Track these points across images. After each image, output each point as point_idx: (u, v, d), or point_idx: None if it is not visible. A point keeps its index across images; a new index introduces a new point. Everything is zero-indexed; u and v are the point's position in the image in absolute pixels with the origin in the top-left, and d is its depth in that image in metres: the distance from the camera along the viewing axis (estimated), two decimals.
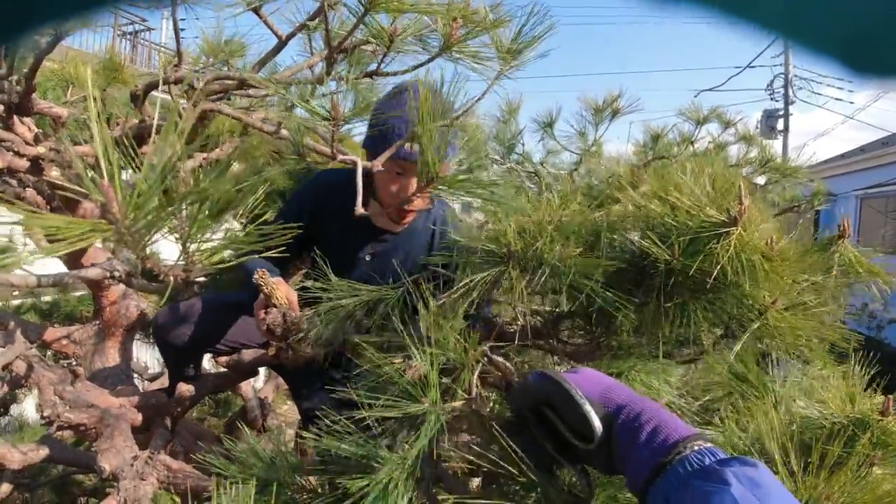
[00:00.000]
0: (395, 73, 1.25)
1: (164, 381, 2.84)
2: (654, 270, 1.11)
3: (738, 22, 0.24)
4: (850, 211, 13.81)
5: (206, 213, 0.53)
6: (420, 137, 0.88)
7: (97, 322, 2.69)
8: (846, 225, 1.42)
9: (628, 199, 1.20)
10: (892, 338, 10.24)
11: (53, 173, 1.90)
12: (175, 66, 1.32)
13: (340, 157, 1.06)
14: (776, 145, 16.32)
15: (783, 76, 16.69)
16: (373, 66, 1.24)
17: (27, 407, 5.24)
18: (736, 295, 1.11)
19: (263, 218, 0.60)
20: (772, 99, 17.26)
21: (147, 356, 5.59)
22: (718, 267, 1.02)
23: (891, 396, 1.09)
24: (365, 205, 1.11)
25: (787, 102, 16.67)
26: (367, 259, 1.96)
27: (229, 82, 1.30)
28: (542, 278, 1.02)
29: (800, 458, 0.98)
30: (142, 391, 2.27)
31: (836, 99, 17.98)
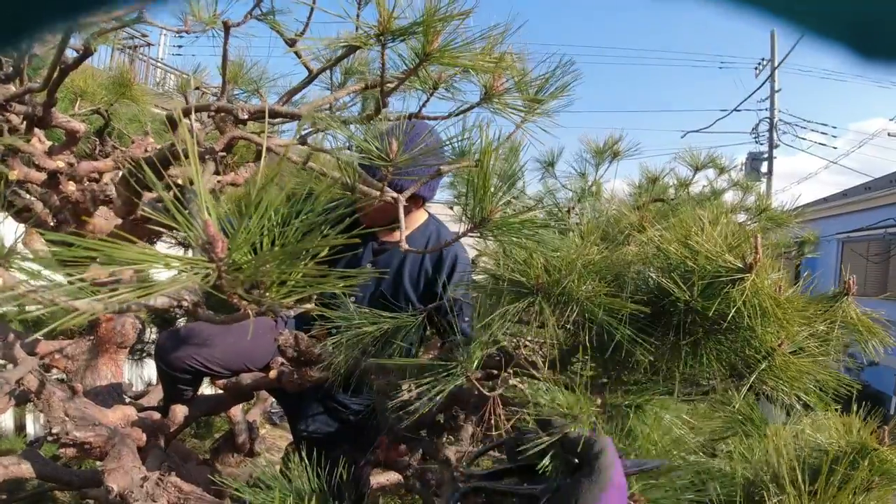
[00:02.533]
0: (435, 118, 1.31)
1: (149, 400, 2.83)
2: (673, 309, 1.16)
3: (744, 9, 0.24)
4: (832, 254, 14.09)
5: (286, 262, 0.57)
6: (474, 182, 0.93)
7: (90, 338, 2.67)
8: (851, 283, 1.48)
9: (645, 241, 1.26)
10: (871, 379, 10.42)
11: (70, 187, 1.92)
12: (218, 96, 1.36)
13: (388, 193, 1.11)
14: (761, 188, 16.63)
15: (768, 120, 17.09)
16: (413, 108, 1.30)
17: (4, 419, 5.13)
18: (746, 336, 1.17)
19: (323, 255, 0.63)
20: (756, 142, 17.67)
21: (131, 374, 5.52)
22: (735, 309, 1.08)
23: (886, 427, 1.20)
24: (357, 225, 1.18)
25: (772, 146, 17.04)
26: (369, 266, 2.06)
27: (278, 113, 1.35)
28: (573, 314, 1.07)
29: (807, 477, 1.06)
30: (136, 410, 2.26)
31: (820, 143, 18.42)
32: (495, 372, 1.33)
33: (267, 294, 0.61)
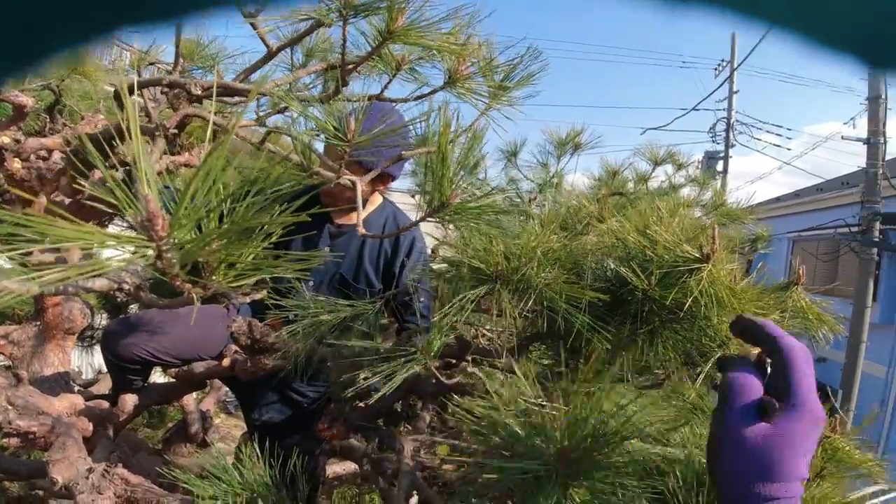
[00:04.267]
0: (396, 100, 1.28)
1: (98, 388, 2.74)
2: (631, 298, 1.17)
3: (748, 19, 0.24)
4: (783, 252, 14.53)
5: (234, 241, 0.54)
6: (433, 165, 0.92)
7: (37, 323, 2.58)
8: (801, 273, 1.51)
9: (605, 231, 1.27)
10: (819, 374, 10.79)
11: (15, 165, 1.84)
12: (169, 71, 1.31)
13: (345, 175, 1.08)
14: (716, 185, 17.04)
15: (726, 120, 17.48)
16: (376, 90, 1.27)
17: None
18: (702, 325, 1.19)
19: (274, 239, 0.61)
20: (713, 141, 18.08)
21: (81, 361, 5.36)
22: (691, 298, 1.09)
23: (837, 416, 1.23)
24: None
25: (728, 145, 17.45)
26: (328, 249, 2.04)
27: (230, 90, 1.30)
28: (530, 300, 1.07)
29: None
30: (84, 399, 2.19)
31: (774, 145, 18.94)
32: (453, 361, 1.32)
33: (214, 277, 0.58)
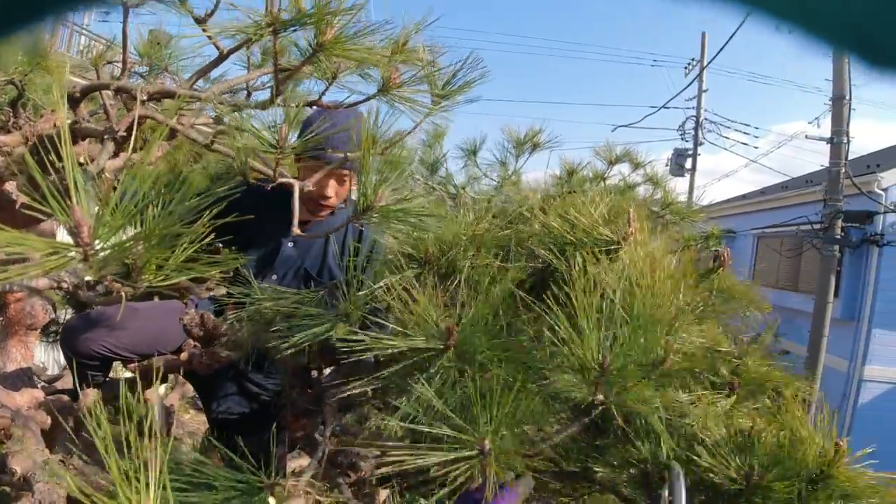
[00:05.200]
0: (337, 107, 1.33)
1: (63, 384, 2.75)
2: (552, 280, 1.24)
3: (751, 13, 0.24)
4: (748, 248, 14.85)
5: (156, 245, 0.59)
6: (359, 169, 0.97)
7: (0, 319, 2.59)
8: (725, 255, 1.60)
9: (536, 219, 1.35)
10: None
11: None
12: (118, 77, 1.34)
13: (281, 179, 1.13)
14: (684, 183, 17.38)
15: (694, 118, 17.77)
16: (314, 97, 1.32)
17: None
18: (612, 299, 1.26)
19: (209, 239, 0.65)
20: (682, 139, 18.36)
21: (46, 357, 5.31)
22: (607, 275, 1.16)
23: (742, 336, 1.39)
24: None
25: (697, 143, 17.74)
26: (290, 245, 2.07)
27: (174, 93, 1.34)
28: (455, 283, 1.14)
29: None
30: (45, 394, 2.21)
31: (742, 143, 19.30)
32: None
33: (143, 277, 0.64)
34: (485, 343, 1.06)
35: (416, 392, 1.00)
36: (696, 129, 17.75)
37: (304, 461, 3.12)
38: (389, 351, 1.07)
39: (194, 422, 5.86)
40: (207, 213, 0.69)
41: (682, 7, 0.26)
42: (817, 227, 9.80)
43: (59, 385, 2.83)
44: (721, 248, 1.61)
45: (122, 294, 0.65)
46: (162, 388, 3.95)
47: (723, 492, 1.21)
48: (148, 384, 2.49)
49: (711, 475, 1.22)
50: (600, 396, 0.98)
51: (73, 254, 0.55)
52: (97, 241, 0.55)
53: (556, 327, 1.05)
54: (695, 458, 1.23)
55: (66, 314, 3.72)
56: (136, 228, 0.63)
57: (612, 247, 1.21)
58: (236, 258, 0.70)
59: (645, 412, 1.10)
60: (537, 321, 1.22)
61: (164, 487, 1.00)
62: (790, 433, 1.26)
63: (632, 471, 1.32)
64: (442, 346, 1.04)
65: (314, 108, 1.72)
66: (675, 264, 1.41)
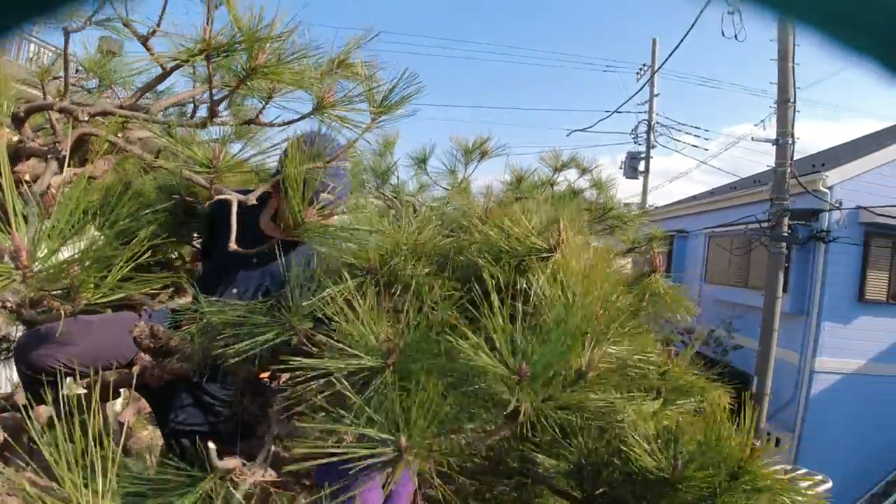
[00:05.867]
0: (271, 125, 1.38)
1: (17, 401, 2.71)
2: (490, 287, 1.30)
3: (773, 15, 0.24)
4: (700, 247, 15.23)
5: (96, 266, 0.64)
6: (287, 186, 1.02)
7: None
8: (658, 261, 1.69)
9: (475, 229, 1.41)
10: (736, 361, 11.46)
11: None
12: (61, 97, 1.36)
13: (217, 195, 1.17)
14: (637, 184, 17.78)
15: (647, 122, 18.19)
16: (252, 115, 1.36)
17: None
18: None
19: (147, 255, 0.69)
20: (635, 142, 18.79)
21: None
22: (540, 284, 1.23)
23: (671, 348, 1.48)
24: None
25: (649, 146, 18.17)
26: (255, 261, 2.08)
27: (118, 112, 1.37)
28: (397, 292, 1.19)
29: None
30: None
31: (693, 145, 19.85)
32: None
33: (81, 295, 0.68)
34: (424, 361, 1.10)
35: (355, 404, 1.04)
36: (648, 132, 18.16)
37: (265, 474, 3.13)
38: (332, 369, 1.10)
39: (156, 436, 5.75)
40: (146, 229, 0.73)
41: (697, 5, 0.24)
42: (765, 225, 10.11)
43: (12, 401, 2.78)
44: (654, 252, 1.69)
45: (62, 312, 0.69)
46: (119, 403, 3.91)
47: (651, 483, 1.29)
48: (103, 400, 2.47)
49: (641, 467, 1.30)
50: (525, 403, 1.04)
51: (14, 276, 0.59)
52: (36, 264, 0.60)
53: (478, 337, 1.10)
54: (626, 451, 1.31)
55: (17, 331, 3.65)
56: (80, 244, 0.67)
57: (545, 255, 1.28)
58: (168, 276, 0.74)
59: (565, 421, 1.16)
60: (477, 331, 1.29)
61: (116, 495, 1.03)
62: (712, 431, 1.34)
63: (567, 465, 1.40)
64: (383, 365, 1.09)
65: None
66: (608, 270, 1.49)
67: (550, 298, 1.20)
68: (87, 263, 0.60)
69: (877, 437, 10.88)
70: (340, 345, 1.12)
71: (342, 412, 1.04)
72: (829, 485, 4.52)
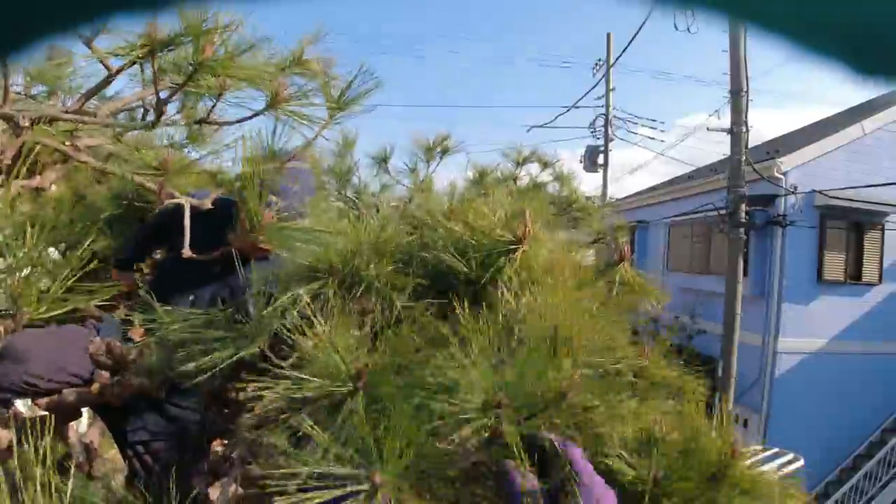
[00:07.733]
0: (223, 123, 1.33)
1: None
2: (457, 282, 1.28)
3: (740, 21, 0.24)
4: (661, 235, 15.49)
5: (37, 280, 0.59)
6: (242, 188, 0.98)
7: None
8: (626, 251, 1.68)
9: (440, 225, 1.38)
10: (700, 346, 11.69)
11: None
12: (1, 104, 1.29)
13: (168, 200, 1.12)
14: (597, 178, 18.01)
15: (604, 116, 18.42)
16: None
17: None
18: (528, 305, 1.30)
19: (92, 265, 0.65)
20: (594, 136, 19.00)
21: None
22: (507, 278, 1.21)
23: (644, 341, 1.47)
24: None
25: (608, 140, 18.40)
26: (217, 270, 2.00)
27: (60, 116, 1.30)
28: (359, 293, 1.15)
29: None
30: None
31: (650, 137, 20.15)
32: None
33: (23, 310, 0.63)
34: (394, 384, 1.06)
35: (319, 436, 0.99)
36: (605, 126, 18.39)
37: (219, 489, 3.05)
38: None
39: (119, 458, 5.59)
40: (93, 235, 0.69)
41: (668, 11, 0.24)
42: (724, 212, 10.30)
43: None
44: (621, 242, 1.68)
45: (1, 329, 0.64)
46: (84, 422, 3.77)
47: (630, 494, 1.26)
48: (64, 420, 2.37)
49: (620, 476, 1.27)
50: (502, 428, 1.00)
51: None
52: None
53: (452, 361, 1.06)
54: (603, 461, 1.28)
55: None
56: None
57: (511, 247, 1.25)
58: (113, 286, 0.70)
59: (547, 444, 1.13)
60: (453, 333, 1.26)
61: None
62: (691, 440, 1.33)
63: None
64: (351, 389, 1.04)
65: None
66: (575, 260, 1.48)
67: (525, 307, 1.18)
68: (23, 273, 0.56)
69: (842, 413, 11.19)
70: (302, 372, 1.06)
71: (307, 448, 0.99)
72: (800, 462, 4.60)
